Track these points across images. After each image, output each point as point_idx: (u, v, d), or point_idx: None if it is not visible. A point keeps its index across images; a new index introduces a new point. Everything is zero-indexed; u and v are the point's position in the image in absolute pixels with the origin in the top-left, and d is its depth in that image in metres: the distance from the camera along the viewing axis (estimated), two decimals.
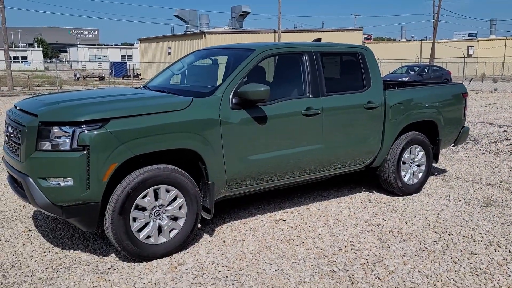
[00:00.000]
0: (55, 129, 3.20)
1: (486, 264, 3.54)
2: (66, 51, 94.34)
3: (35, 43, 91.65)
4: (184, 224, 3.68)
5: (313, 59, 4.46)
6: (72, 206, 3.25)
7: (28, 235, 4.04)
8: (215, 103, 3.79)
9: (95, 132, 3.18)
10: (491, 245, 3.91)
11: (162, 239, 3.60)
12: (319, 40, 5.42)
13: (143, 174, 3.40)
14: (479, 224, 4.39)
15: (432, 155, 5.56)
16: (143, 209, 3.48)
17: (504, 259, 3.64)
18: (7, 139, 3.66)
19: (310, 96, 4.40)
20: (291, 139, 4.26)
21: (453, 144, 5.95)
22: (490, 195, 5.34)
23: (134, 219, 3.43)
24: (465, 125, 5.98)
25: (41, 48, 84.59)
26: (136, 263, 3.50)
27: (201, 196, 3.82)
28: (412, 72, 23.00)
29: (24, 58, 73.02)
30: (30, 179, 3.24)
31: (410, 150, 5.28)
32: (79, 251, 3.73)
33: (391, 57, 39.41)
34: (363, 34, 62.95)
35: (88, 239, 3.95)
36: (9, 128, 3.55)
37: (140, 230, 3.49)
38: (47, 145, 3.20)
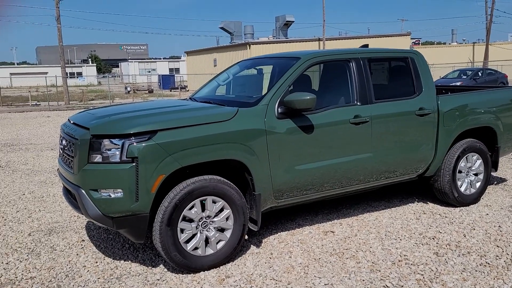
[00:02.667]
0: (106, 142, 3.27)
1: None
2: (117, 66, 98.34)
3: (89, 59, 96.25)
4: (231, 235, 3.65)
5: (360, 66, 4.33)
6: (122, 217, 3.30)
7: (82, 245, 4.15)
8: (261, 113, 3.75)
9: (143, 144, 3.22)
10: None
11: (209, 251, 3.58)
12: (367, 46, 5.27)
13: (190, 185, 3.41)
14: None
15: (491, 163, 5.24)
16: (190, 220, 3.48)
17: None
18: (61, 152, 3.78)
19: (358, 103, 4.27)
20: (339, 148, 4.14)
21: None
22: None
23: (182, 231, 3.44)
24: None
25: (95, 64, 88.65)
26: (184, 275, 3.50)
27: (248, 207, 3.77)
28: (465, 77, 22.06)
29: (79, 74, 76.72)
30: (83, 191, 3.33)
31: (466, 158, 5.00)
32: (129, 261, 3.78)
33: (442, 61, 38.08)
34: (412, 39, 61.40)
35: (138, 250, 4.00)
36: (63, 142, 3.67)
37: (188, 241, 3.49)
38: (98, 158, 3.28)
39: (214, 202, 3.55)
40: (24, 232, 4.49)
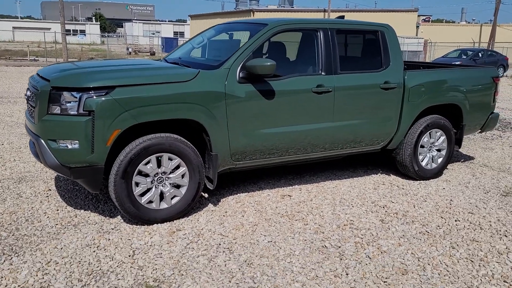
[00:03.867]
0: (65, 94, 3.40)
1: (485, 252, 3.45)
2: (122, 26, 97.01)
3: (93, 18, 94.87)
4: (186, 192, 3.82)
5: (327, 36, 4.40)
6: (79, 168, 3.46)
7: (47, 194, 4.34)
8: (222, 76, 3.85)
9: (100, 99, 3.35)
10: (497, 233, 3.79)
11: (164, 205, 3.76)
12: (343, 17, 5.32)
13: (146, 141, 3.55)
14: (492, 213, 4.24)
15: (455, 141, 5.37)
16: (146, 175, 3.64)
17: (506, 248, 3.52)
18: (27, 102, 3.92)
19: (323, 73, 4.36)
20: (300, 115, 4.26)
21: (479, 131, 5.71)
22: None
23: (137, 184, 3.61)
24: (494, 111, 5.71)
25: (99, 23, 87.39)
26: (138, 226, 3.69)
27: (205, 166, 3.94)
28: (465, 57, 21.89)
29: (82, 32, 75.74)
30: (42, 141, 3.48)
31: (429, 134, 5.13)
32: (89, 211, 3.97)
33: (448, 40, 37.59)
34: (422, 15, 60.33)
35: (99, 201, 4.19)
36: (28, 92, 3.80)
37: (143, 195, 3.67)
38: (57, 109, 3.42)
39: (170, 159, 3.70)
40: None
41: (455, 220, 4.04)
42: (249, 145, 4.06)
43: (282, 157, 4.37)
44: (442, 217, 4.10)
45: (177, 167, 3.77)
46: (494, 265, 3.26)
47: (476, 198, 4.65)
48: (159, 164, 3.68)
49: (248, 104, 3.96)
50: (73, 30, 73.97)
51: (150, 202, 3.70)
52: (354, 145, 4.74)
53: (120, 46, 54.19)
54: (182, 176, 3.79)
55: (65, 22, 27.38)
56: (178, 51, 5.09)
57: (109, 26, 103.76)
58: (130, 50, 40.68)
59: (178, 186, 3.82)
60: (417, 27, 42.64)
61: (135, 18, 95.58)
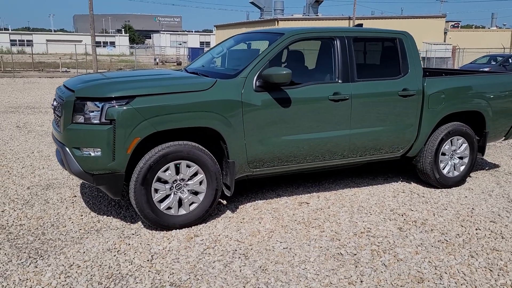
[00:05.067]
0: (89, 104, 3.55)
1: (505, 261, 3.38)
2: (150, 37, 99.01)
3: (123, 30, 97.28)
4: (204, 198, 3.91)
5: (344, 44, 4.44)
6: (101, 175, 3.60)
7: (73, 200, 4.51)
8: (238, 85, 3.94)
9: (121, 108, 3.48)
10: None
11: (182, 211, 3.85)
12: (361, 25, 5.34)
13: (164, 149, 3.66)
14: None
15: (478, 148, 5.28)
16: (165, 182, 3.75)
17: None
18: (53, 112, 4.10)
19: (339, 81, 4.39)
20: (316, 123, 4.30)
21: (504, 138, 5.60)
22: None
23: (156, 191, 3.71)
24: None
25: (128, 34, 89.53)
26: (157, 231, 3.79)
27: (222, 173, 4.01)
28: (494, 62, 21.38)
29: (112, 43, 77.64)
30: (67, 149, 3.64)
31: (451, 141, 5.06)
32: (112, 217, 4.10)
33: (479, 46, 36.79)
34: (451, 21, 59.21)
35: (122, 208, 4.32)
36: (54, 103, 3.98)
37: (162, 201, 3.77)
38: (81, 118, 3.57)
39: (188, 166, 3.80)
40: (24, 186, 4.89)
41: (476, 229, 3.98)
42: (266, 152, 4.12)
43: (300, 164, 4.41)
44: (462, 226, 4.04)
45: (195, 174, 3.85)
46: None
47: (499, 206, 4.56)
48: (177, 171, 3.78)
49: (265, 112, 4.02)
50: (103, 42, 76.01)
51: (169, 208, 3.80)
52: (373, 152, 4.73)
53: (148, 57, 55.39)
54: (200, 183, 3.88)
55: (96, 34, 28.28)
56: (198, 61, 5.21)
57: (138, 37, 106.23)
58: (157, 60, 41.52)
59: (196, 193, 3.90)
60: (445, 33, 41.90)
61: (163, 29, 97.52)
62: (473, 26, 77.44)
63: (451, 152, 5.12)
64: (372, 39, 4.93)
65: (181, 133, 3.87)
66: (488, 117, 5.20)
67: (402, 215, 4.29)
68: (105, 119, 3.49)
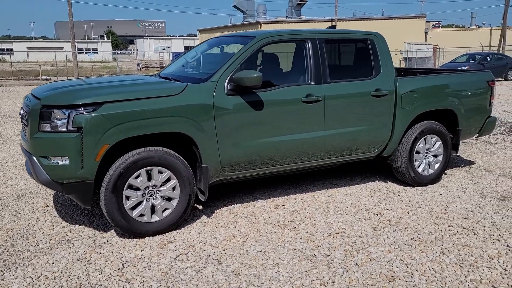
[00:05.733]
0: (55, 112, 3.49)
1: (475, 257, 3.42)
2: (134, 43, 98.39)
3: (105, 36, 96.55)
4: (177, 204, 3.87)
5: (316, 46, 4.45)
6: (70, 184, 3.54)
7: (45, 210, 4.43)
8: (209, 89, 3.92)
9: (88, 115, 3.44)
10: (490, 238, 3.75)
11: (155, 218, 3.81)
12: (334, 27, 5.37)
13: (135, 155, 3.62)
14: (487, 218, 4.20)
15: (452, 146, 5.34)
16: (137, 188, 3.70)
17: (498, 252, 3.48)
18: (21, 121, 4.03)
19: (312, 83, 4.40)
20: (290, 125, 4.30)
21: (477, 135, 5.67)
22: None
23: (127, 198, 3.67)
24: (491, 115, 5.67)
25: (110, 40, 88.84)
26: (130, 239, 3.75)
27: (195, 178, 3.98)
28: (473, 61, 21.71)
29: (95, 50, 76.93)
30: (34, 158, 3.57)
31: (425, 140, 5.11)
32: (84, 226, 4.04)
33: (459, 45, 37.30)
34: (432, 21, 59.94)
35: (95, 216, 4.26)
36: (22, 111, 3.91)
37: (134, 208, 3.72)
38: (47, 127, 3.51)
39: (160, 172, 3.76)
40: None
41: (449, 226, 4.01)
42: (240, 156, 4.10)
43: (277, 167, 4.40)
44: (435, 223, 4.08)
45: (168, 180, 3.82)
46: (483, 270, 3.23)
47: (473, 203, 4.61)
48: (149, 178, 3.74)
49: (237, 116, 4.01)
50: (85, 48, 75.37)
51: (142, 215, 3.75)
52: (348, 153, 4.75)
53: (131, 63, 54.96)
54: (173, 188, 3.84)
55: (78, 41, 28.02)
56: (171, 66, 5.18)
57: (121, 43, 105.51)
58: (140, 66, 41.22)
59: (169, 199, 3.87)
60: (426, 33, 42.40)
61: (146, 35, 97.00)
62: (453, 26, 78.64)
63: (425, 151, 5.16)
64: (344, 41, 4.96)
65: (153, 139, 3.83)
66: (460, 115, 5.26)
67: (377, 214, 4.31)
68: (72, 127, 3.44)
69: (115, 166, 3.58)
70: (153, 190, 3.77)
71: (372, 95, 4.68)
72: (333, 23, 36.58)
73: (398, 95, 4.82)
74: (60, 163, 3.49)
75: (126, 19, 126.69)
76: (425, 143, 5.13)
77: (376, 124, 4.77)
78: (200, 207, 4.51)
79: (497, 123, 9.21)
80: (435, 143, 5.19)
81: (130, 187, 3.67)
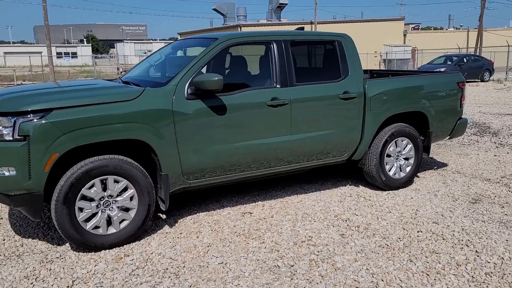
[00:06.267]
0: (0, 119, 3.28)
1: (443, 264, 3.31)
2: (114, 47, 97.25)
3: (85, 40, 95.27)
4: (136, 215, 3.68)
5: (281, 48, 4.32)
6: (18, 195, 3.32)
7: None
8: (168, 93, 3.75)
9: (35, 123, 3.23)
10: (459, 243, 3.65)
11: (112, 230, 3.62)
12: (302, 28, 5.25)
13: (87, 164, 3.42)
14: (457, 222, 4.11)
15: (423, 148, 5.26)
16: (91, 199, 3.50)
17: (466, 259, 3.38)
18: None
19: (278, 86, 4.27)
20: (255, 129, 4.15)
21: (448, 137, 5.61)
22: (484, 191, 5.00)
23: (81, 209, 3.47)
24: (462, 117, 5.62)
25: (90, 44, 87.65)
26: (85, 253, 3.54)
27: (154, 187, 3.80)
28: (450, 62, 21.95)
29: (74, 54, 75.77)
30: None
31: (395, 143, 5.02)
32: (37, 240, 3.82)
33: (437, 46, 37.79)
34: (411, 24, 60.62)
35: (50, 229, 4.04)
36: None
37: (88, 220, 3.52)
38: None
39: (116, 181, 3.57)
40: None
41: (418, 231, 3.91)
42: (203, 163, 3.94)
43: (244, 173, 4.25)
44: (404, 229, 3.97)
45: (125, 189, 3.63)
46: (450, 278, 3.12)
47: (444, 206, 4.52)
48: (105, 188, 3.54)
49: (198, 121, 3.85)
50: (64, 52, 74.22)
51: (97, 227, 3.55)
52: (318, 157, 4.62)
53: (111, 67, 54.22)
54: (131, 198, 3.65)
55: (56, 45, 27.48)
56: (135, 69, 4.99)
57: (102, 47, 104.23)
58: (120, 70, 40.69)
59: (126, 209, 3.68)
60: (405, 35, 42.87)
61: (127, 38, 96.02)
62: (432, 28, 79.82)
63: (396, 154, 5.07)
64: (311, 42, 4.84)
65: (111, 146, 3.64)
66: (431, 117, 5.19)
67: (346, 220, 4.18)
68: (19, 135, 3.22)
69: (67, 176, 3.38)
70: (109, 201, 3.58)
71: (340, 98, 4.57)
72: (313, 26, 36.70)
73: (367, 98, 4.72)
74: (7, 174, 3.27)
75: (107, 23, 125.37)
76: (396, 146, 5.04)
77: (345, 127, 4.65)
78: (164, 216, 4.33)
79: (471, 124, 9.26)
80: (406, 146, 5.10)
81: (84, 198, 3.47)
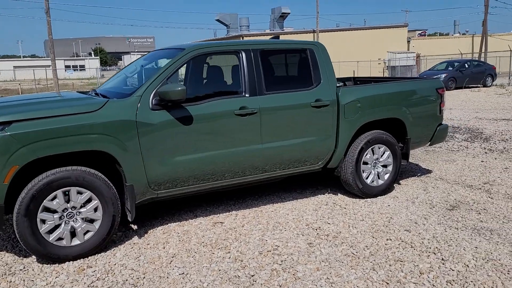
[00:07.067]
0: None
1: (405, 273, 3.26)
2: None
3: (92, 53, 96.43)
4: (100, 226, 3.68)
5: (250, 57, 4.33)
6: None
7: None
8: (132, 104, 3.76)
9: None
10: (426, 251, 3.60)
11: (76, 241, 3.61)
12: (277, 37, 5.26)
13: (49, 176, 3.44)
14: (429, 229, 4.06)
15: (402, 155, 5.21)
16: (54, 211, 3.51)
17: (430, 267, 3.33)
18: None
19: (246, 95, 4.27)
20: (223, 139, 4.14)
21: (429, 143, 5.55)
22: (464, 198, 4.93)
23: (43, 221, 3.47)
24: (443, 123, 5.56)
25: (98, 57, 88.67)
26: (49, 265, 3.54)
27: (120, 198, 3.81)
28: (452, 68, 21.82)
29: (82, 67, 76.67)
30: None
31: (372, 150, 4.97)
32: (4, 251, 3.83)
33: (441, 53, 37.63)
34: (418, 30, 60.46)
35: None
36: None
37: (51, 232, 3.53)
38: None
39: (80, 193, 3.58)
40: None
41: (387, 240, 3.86)
42: (169, 173, 3.93)
43: (216, 182, 4.24)
44: (373, 237, 3.92)
45: (89, 200, 3.63)
46: (410, 286, 3.07)
47: (419, 214, 4.46)
48: (68, 199, 3.55)
49: (164, 132, 3.85)
50: (72, 65, 75.23)
51: (60, 239, 3.56)
52: (292, 165, 4.60)
53: None
54: (95, 209, 3.66)
55: (64, 58, 27.83)
56: (110, 81, 5.03)
57: (111, 59, 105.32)
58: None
59: (91, 221, 3.68)
60: (408, 41, 42.77)
61: (136, 51, 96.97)
62: (437, 34, 79.55)
63: (374, 161, 5.03)
64: (282, 51, 4.84)
65: (75, 158, 3.66)
66: (409, 124, 5.14)
67: (316, 229, 4.14)
68: None
69: (28, 188, 3.39)
70: (72, 212, 3.58)
71: (312, 106, 4.55)
72: (315, 35, 36.77)
73: (341, 105, 4.69)
74: None
75: (115, 36, 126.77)
76: (373, 154, 5.00)
77: (318, 135, 4.63)
78: (135, 227, 4.32)
79: (464, 129, 9.17)
80: (384, 153, 5.06)
81: (46, 209, 3.48)
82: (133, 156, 3.73)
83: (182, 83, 4.96)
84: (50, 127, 3.41)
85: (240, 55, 4.32)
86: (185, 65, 4.22)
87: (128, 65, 5.23)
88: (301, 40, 4.86)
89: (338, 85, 4.90)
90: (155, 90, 3.85)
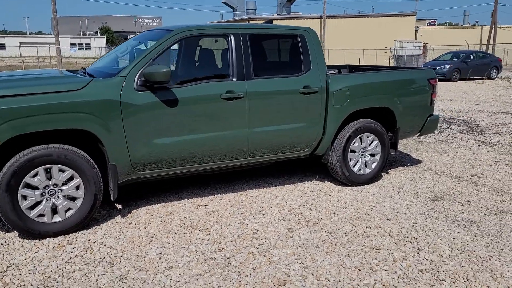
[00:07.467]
0: None
1: (379, 260, 3.29)
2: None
3: (98, 31, 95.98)
4: (82, 204, 3.72)
5: (239, 41, 4.30)
6: None
7: None
8: (117, 85, 3.77)
9: None
10: (403, 240, 3.62)
11: (57, 218, 3.66)
12: (270, 22, 5.22)
13: (31, 152, 3.46)
14: (410, 218, 4.08)
15: (390, 144, 5.21)
16: (35, 187, 3.55)
17: (404, 256, 3.36)
18: None
19: (234, 79, 4.26)
20: (208, 122, 4.15)
21: (419, 133, 5.54)
22: (449, 189, 4.94)
23: (24, 197, 3.51)
24: (434, 113, 5.54)
25: (104, 36, 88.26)
26: (29, 240, 3.59)
27: (102, 177, 3.84)
28: (457, 59, 21.60)
29: (88, 45, 76.47)
30: None
31: (360, 139, 4.97)
32: None
33: (449, 43, 37.22)
34: (428, 19, 59.74)
35: None
36: None
37: (32, 208, 3.57)
38: None
39: (61, 170, 3.61)
40: None
41: (366, 227, 3.88)
42: (153, 155, 3.95)
43: (200, 165, 4.26)
44: (353, 224, 3.94)
45: (71, 178, 3.67)
46: (381, 274, 3.10)
47: (402, 203, 4.48)
48: (50, 176, 3.59)
49: (148, 113, 3.86)
50: (78, 44, 75.11)
51: (41, 215, 3.60)
52: (278, 151, 4.61)
53: None
54: (77, 188, 3.69)
55: (70, 36, 27.72)
56: (100, 60, 5.02)
57: (117, 39, 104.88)
58: None
59: (73, 199, 3.72)
60: (416, 31, 42.29)
61: (142, 31, 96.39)
62: (447, 24, 78.56)
63: (361, 149, 5.03)
64: (272, 36, 4.80)
65: (59, 136, 3.68)
66: (398, 113, 5.12)
67: (298, 215, 4.17)
68: None
69: (9, 164, 3.42)
70: (54, 189, 3.62)
71: (300, 92, 4.54)
72: (322, 21, 36.42)
73: (330, 93, 4.68)
74: None
75: (122, 15, 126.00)
76: (361, 142, 5.00)
77: (306, 122, 4.63)
78: (119, 206, 4.36)
79: (461, 121, 9.13)
80: (372, 141, 5.05)
81: (28, 186, 3.52)
82: (116, 136, 3.75)
83: (174, 65, 4.96)
84: (31, 104, 3.42)
85: (229, 38, 4.30)
86: (177, 47, 4.19)
87: (120, 45, 5.22)
88: (293, 26, 4.83)
89: (331, 72, 4.88)
90: (140, 70, 3.85)
